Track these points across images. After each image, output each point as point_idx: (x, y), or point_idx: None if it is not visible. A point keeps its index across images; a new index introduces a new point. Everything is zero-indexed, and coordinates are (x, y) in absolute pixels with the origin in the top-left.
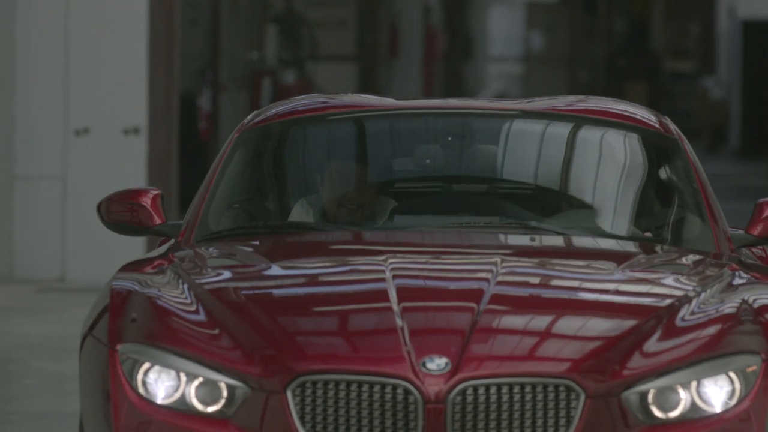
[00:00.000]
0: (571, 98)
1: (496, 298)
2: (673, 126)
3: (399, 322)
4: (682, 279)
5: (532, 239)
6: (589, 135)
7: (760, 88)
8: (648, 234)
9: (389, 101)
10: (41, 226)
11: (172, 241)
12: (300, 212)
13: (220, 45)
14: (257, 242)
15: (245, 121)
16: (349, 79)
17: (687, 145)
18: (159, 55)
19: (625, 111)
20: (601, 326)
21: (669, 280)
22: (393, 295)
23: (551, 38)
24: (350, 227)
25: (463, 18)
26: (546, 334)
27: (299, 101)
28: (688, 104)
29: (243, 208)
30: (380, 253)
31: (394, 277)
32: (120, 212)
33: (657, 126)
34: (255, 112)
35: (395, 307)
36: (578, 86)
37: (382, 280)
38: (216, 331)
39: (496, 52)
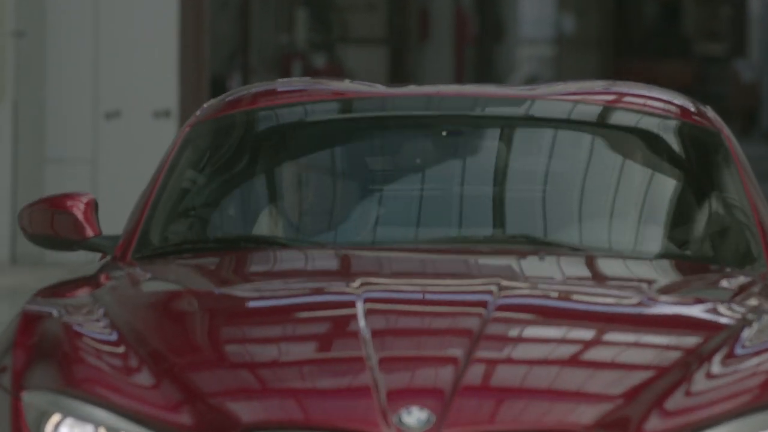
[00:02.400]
0: (597, 84)
1: (488, 342)
2: (714, 116)
3: (371, 367)
4: (724, 310)
5: (541, 258)
6: (613, 129)
7: None
8: (684, 251)
9: (379, 89)
10: None
11: (108, 258)
12: (265, 223)
13: (251, 28)
14: (207, 261)
15: (198, 112)
16: (378, 63)
17: (732, 140)
18: (190, 37)
19: (657, 99)
20: (617, 375)
21: (707, 312)
22: (365, 335)
23: (582, 21)
24: (325, 241)
25: (494, 0)
26: (549, 387)
27: (263, 87)
28: (720, 87)
29: (193, 219)
30: (354, 277)
31: (368, 313)
32: (44, 223)
33: (696, 117)
34: (210, 101)
35: (366, 350)
36: (609, 70)
37: (353, 317)
38: (145, 376)
39: (527, 35)
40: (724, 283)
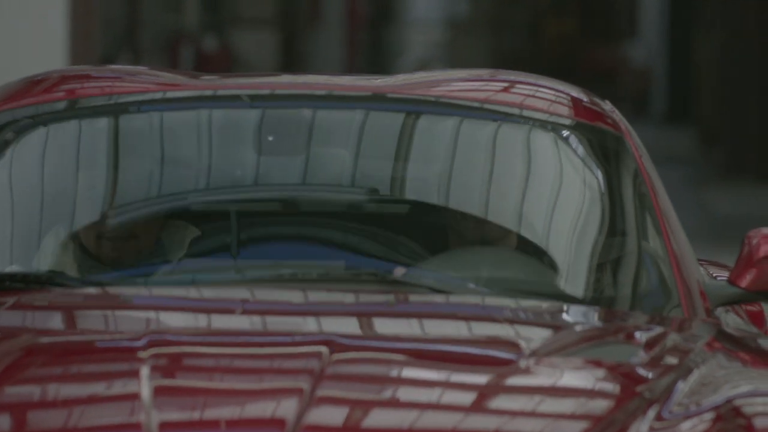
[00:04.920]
0: (474, 74)
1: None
2: (615, 113)
3: None
4: (628, 372)
5: (390, 304)
6: (488, 133)
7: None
8: (577, 291)
9: (186, 80)
10: None
11: None
12: (50, 251)
13: (140, 8)
14: None
15: None
16: (268, 46)
17: (638, 144)
18: (78, 20)
19: (545, 93)
20: None
21: (606, 377)
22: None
23: (476, 2)
24: (115, 276)
25: None
26: None
27: (43, 79)
28: (611, 69)
29: None
30: (145, 331)
31: (156, 392)
32: None
33: (592, 115)
34: None
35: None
36: (500, 53)
37: (140, 409)
38: None
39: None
40: (628, 336)
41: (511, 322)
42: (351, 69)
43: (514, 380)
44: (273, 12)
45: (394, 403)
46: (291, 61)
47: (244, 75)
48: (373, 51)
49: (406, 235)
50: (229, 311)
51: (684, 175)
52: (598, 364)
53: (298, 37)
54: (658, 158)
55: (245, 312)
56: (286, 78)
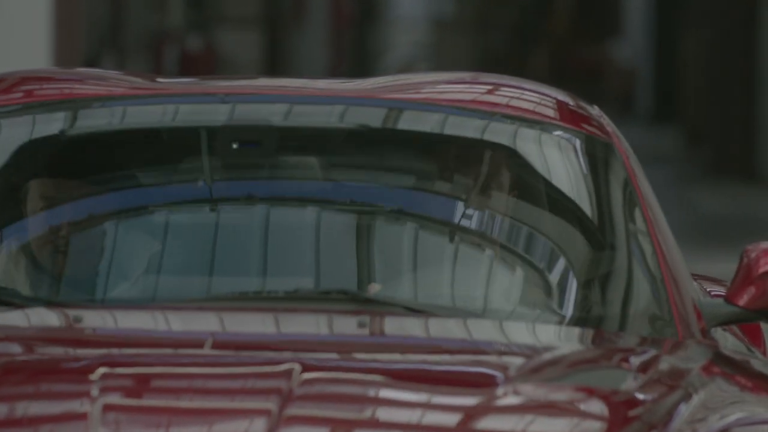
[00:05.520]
0: (455, 77)
1: None
2: (603, 118)
3: None
4: (619, 401)
5: (362, 324)
6: (468, 140)
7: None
8: (561, 309)
9: (149, 85)
10: None
11: None
12: (1, 266)
13: (125, 8)
14: None
15: None
16: (252, 45)
17: (628, 152)
18: (62, 19)
19: (529, 97)
20: None
21: (593, 405)
22: None
23: (460, 1)
24: (70, 294)
25: None
26: None
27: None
28: (596, 68)
29: None
30: (97, 359)
31: (109, 412)
32: None
33: (580, 121)
34: None
35: None
36: (486, 52)
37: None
38: None
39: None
40: (618, 359)
41: (492, 343)
42: (336, 68)
43: (494, 406)
44: (258, 11)
45: (365, 424)
46: (276, 59)
47: (213, 79)
48: (358, 50)
49: (381, 250)
50: (192, 331)
51: (669, 174)
52: (585, 390)
53: (283, 35)
54: (643, 157)
55: (209, 332)
56: (261, 81)
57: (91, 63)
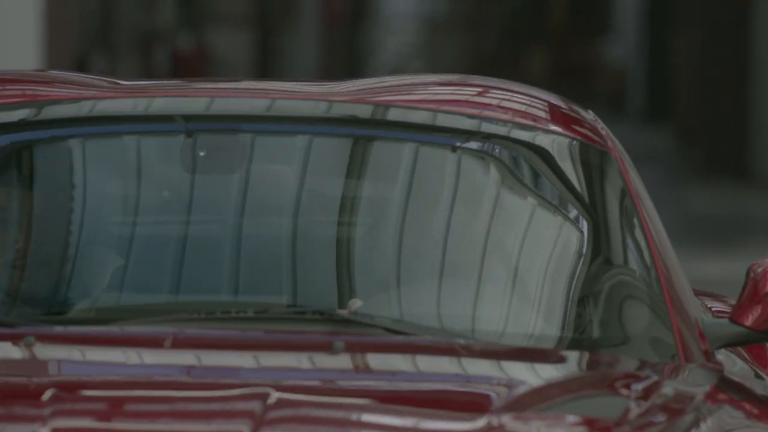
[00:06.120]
0: (443, 79)
1: None
2: (599, 124)
3: None
4: (619, 429)
5: (337, 349)
6: (455, 149)
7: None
8: (553, 331)
9: (116, 90)
10: None
11: None
12: None
13: (115, 7)
14: None
15: None
16: (244, 42)
17: (625, 160)
18: (52, 18)
19: (519, 101)
20: None
21: None
22: None
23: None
24: (27, 313)
25: None
26: None
27: None
28: (589, 67)
29: None
30: (57, 381)
31: None
32: None
33: (575, 127)
34: None
35: None
36: (478, 51)
37: None
38: None
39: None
40: (617, 385)
41: (479, 368)
42: (328, 66)
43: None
44: (249, 10)
45: None
46: (267, 58)
47: (189, 82)
48: (350, 49)
49: (359, 266)
50: (157, 352)
51: (661, 173)
52: (580, 421)
53: (275, 35)
54: (635, 157)
55: (175, 351)
56: (243, 84)
57: (81, 62)
